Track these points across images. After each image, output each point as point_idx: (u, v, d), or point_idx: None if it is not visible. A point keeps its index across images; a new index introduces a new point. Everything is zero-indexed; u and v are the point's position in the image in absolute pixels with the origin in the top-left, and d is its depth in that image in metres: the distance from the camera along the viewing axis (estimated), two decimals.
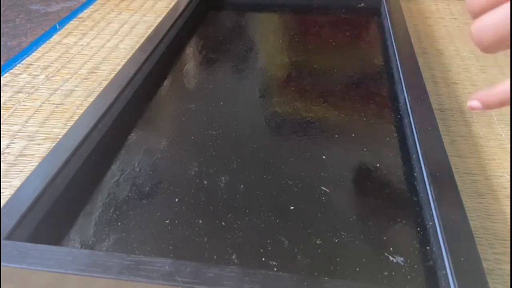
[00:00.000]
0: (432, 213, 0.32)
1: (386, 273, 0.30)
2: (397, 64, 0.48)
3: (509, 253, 0.33)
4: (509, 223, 0.35)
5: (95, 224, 0.33)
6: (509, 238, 0.34)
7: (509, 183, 0.39)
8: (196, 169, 0.38)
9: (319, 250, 0.31)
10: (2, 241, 0.28)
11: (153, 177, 0.37)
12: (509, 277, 0.31)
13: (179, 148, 0.41)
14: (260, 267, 0.30)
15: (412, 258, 0.30)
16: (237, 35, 0.63)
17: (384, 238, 0.32)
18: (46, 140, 0.45)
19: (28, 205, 0.31)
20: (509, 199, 0.37)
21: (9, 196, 0.32)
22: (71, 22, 0.69)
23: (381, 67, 0.53)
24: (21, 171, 0.41)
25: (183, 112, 0.46)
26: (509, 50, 0.21)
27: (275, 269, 0.30)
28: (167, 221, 0.33)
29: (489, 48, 0.22)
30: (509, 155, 0.42)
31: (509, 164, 0.41)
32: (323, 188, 0.36)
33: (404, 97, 0.43)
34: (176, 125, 0.44)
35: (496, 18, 0.21)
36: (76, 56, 0.60)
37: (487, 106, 0.25)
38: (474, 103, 0.26)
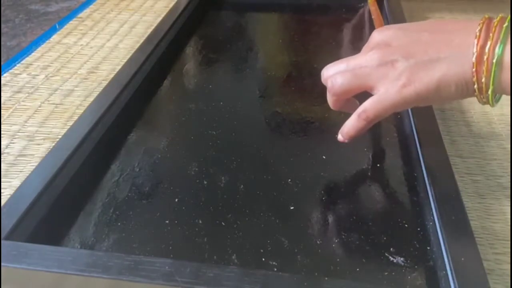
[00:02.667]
0: (432, 213, 0.32)
1: (386, 273, 0.30)
2: None
3: (509, 253, 0.33)
4: (509, 223, 0.35)
5: (95, 224, 0.33)
6: (509, 238, 0.34)
7: (509, 183, 0.39)
8: (196, 169, 0.38)
9: (319, 250, 0.31)
10: (2, 241, 0.28)
11: (153, 177, 0.37)
12: (509, 277, 0.31)
13: (179, 148, 0.41)
14: (260, 267, 0.30)
15: (412, 258, 0.30)
16: (237, 35, 0.63)
17: (384, 238, 0.32)
18: (45, 140, 0.45)
19: (28, 205, 0.31)
20: (509, 199, 0.37)
21: (9, 196, 0.32)
22: (70, 22, 0.69)
23: None
24: (20, 171, 0.41)
25: (183, 112, 0.45)
26: None
27: (275, 269, 0.30)
28: (167, 221, 0.33)
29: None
30: (509, 155, 0.42)
31: (509, 164, 0.41)
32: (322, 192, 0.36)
33: None
34: (176, 125, 0.44)
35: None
36: (75, 56, 0.60)
37: (349, 137, 0.35)
38: (339, 137, 0.36)
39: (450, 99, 0.30)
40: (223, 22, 0.67)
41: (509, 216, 0.36)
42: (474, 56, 0.28)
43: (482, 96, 0.29)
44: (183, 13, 0.60)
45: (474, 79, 0.28)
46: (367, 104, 0.32)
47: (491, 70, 0.27)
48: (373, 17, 0.60)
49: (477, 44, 0.28)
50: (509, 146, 0.43)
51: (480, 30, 0.28)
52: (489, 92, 0.28)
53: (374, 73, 0.32)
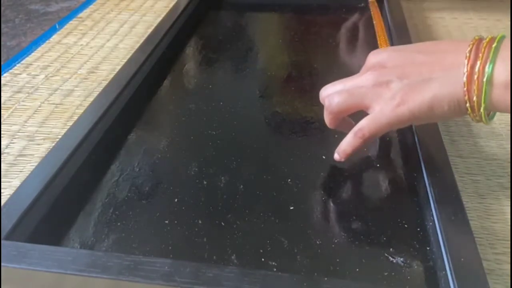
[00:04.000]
0: (432, 213, 0.32)
1: (386, 274, 0.30)
2: None
3: (509, 253, 0.33)
4: (509, 223, 0.35)
5: (95, 224, 0.33)
6: (509, 238, 0.34)
7: (509, 183, 0.39)
8: (196, 169, 0.38)
9: (319, 250, 0.31)
10: (2, 241, 0.28)
11: (153, 177, 0.37)
12: (509, 277, 0.31)
13: (179, 148, 0.41)
14: (260, 267, 0.30)
15: (412, 258, 0.30)
16: (237, 35, 0.63)
17: (384, 238, 0.32)
18: (45, 140, 0.45)
19: (28, 205, 0.31)
20: (509, 199, 0.37)
21: (9, 196, 0.32)
22: (70, 22, 0.69)
23: None
24: (20, 171, 0.41)
25: (183, 112, 0.45)
26: None
27: (275, 269, 0.30)
28: (167, 221, 0.33)
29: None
30: (509, 155, 0.42)
31: (509, 164, 0.41)
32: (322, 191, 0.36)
33: None
34: (176, 125, 0.44)
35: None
36: (75, 56, 0.60)
37: (346, 156, 0.36)
38: (335, 156, 0.36)
39: (445, 118, 0.31)
40: (223, 22, 0.67)
41: (509, 216, 0.36)
42: (465, 75, 0.28)
43: (475, 114, 0.30)
44: (183, 13, 0.60)
45: (466, 98, 0.29)
46: (363, 122, 0.34)
47: (482, 89, 0.28)
48: (373, 20, 0.60)
49: (467, 64, 0.29)
50: (509, 146, 0.43)
51: (470, 51, 0.29)
52: (481, 110, 0.29)
53: (369, 93, 0.33)
